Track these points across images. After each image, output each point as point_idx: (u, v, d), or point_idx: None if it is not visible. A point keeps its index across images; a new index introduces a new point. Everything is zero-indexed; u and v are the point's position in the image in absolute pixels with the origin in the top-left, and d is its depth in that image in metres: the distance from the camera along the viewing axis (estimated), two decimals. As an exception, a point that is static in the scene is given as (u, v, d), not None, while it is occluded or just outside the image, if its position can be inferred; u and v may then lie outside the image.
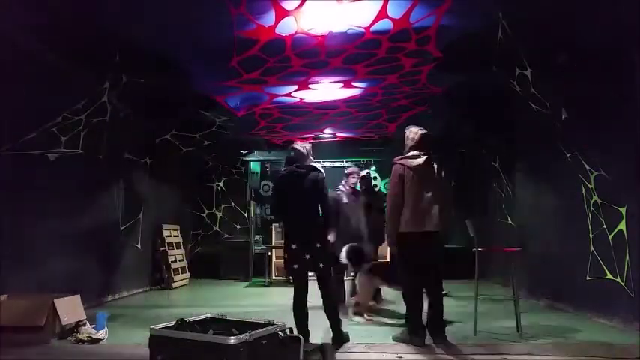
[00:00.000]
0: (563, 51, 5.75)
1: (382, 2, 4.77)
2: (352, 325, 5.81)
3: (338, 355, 4.27)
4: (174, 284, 9.29)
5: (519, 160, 8.05)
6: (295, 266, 4.52)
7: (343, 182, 6.92)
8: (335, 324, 4.58)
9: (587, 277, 5.92)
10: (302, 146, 4.74)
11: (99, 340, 4.78)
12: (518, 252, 5.78)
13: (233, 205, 11.57)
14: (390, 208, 4.62)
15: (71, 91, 6.39)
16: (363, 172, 7.43)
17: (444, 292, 4.94)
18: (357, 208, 6.73)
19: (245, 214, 11.59)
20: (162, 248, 9.38)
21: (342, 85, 6.95)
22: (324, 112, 8.27)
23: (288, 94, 7.28)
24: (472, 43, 5.55)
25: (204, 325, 3.39)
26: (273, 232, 11.17)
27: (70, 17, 5.08)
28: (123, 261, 8.02)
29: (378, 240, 6.91)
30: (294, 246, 4.50)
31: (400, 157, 4.74)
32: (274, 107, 7.94)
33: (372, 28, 5.24)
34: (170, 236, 9.76)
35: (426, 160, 4.66)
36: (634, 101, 5.09)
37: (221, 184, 11.62)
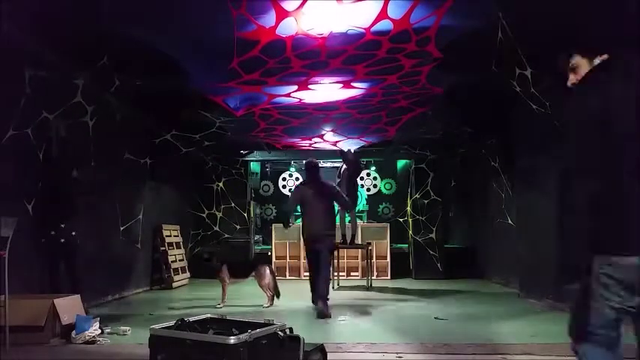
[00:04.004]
0: (563, 51, 5.74)
1: (382, 3, 4.77)
2: (353, 324, 5.82)
3: (338, 355, 4.28)
4: (174, 284, 9.30)
5: (519, 160, 8.05)
6: None
7: None
8: None
9: (587, 277, 5.91)
10: None
11: (94, 341, 4.78)
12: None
13: (233, 205, 11.57)
14: None
15: (70, 93, 6.41)
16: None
17: None
18: None
19: (245, 214, 11.60)
20: (162, 248, 9.39)
21: (342, 85, 6.95)
22: (324, 113, 8.26)
23: (288, 95, 7.28)
24: (472, 43, 5.55)
25: (204, 325, 3.39)
26: (273, 232, 11.20)
27: (70, 17, 5.09)
28: (123, 261, 8.02)
29: None
30: None
31: None
32: (274, 108, 7.93)
33: (373, 29, 5.24)
34: (170, 236, 9.76)
35: None
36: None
37: (221, 184, 11.62)
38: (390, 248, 10.87)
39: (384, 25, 5.14)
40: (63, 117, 6.24)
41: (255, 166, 13.32)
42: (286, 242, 10.97)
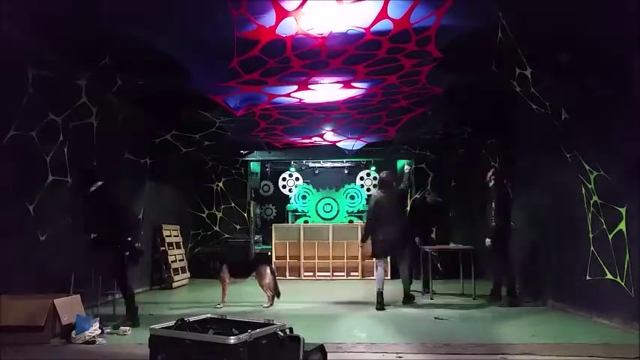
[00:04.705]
0: (563, 51, 5.75)
1: (382, 3, 4.77)
2: (353, 324, 5.82)
3: (338, 355, 4.27)
4: (174, 284, 9.30)
5: (519, 160, 8.05)
6: None
7: None
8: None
9: (587, 277, 5.92)
10: None
11: (94, 341, 4.79)
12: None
13: (233, 205, 11.57)
14: None
15: (75, 94, 6.41)
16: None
17: None
18: None
19: (245, 214, 11.60)
20: (163, 248, 9.39)
21: (342, 85, 6.95)
22: (325, 113, 8.26)
23: (288, 95, 7.28)
24: (472, 43, 5.55)
25: (204, 325, 3.39)
26: (273, 232, 11.20)
27: (70, 17, 5.09)
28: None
29: None
30: None
31: None
32: (274, 108, 7.93)
33: (373, 29, 5.24)
34: (170, 236, 9.76)
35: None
36: (634, 101, 5.09)
37: (221, 184, 11.62)
38: (390, 248, 10.84)
39: (384, 25, 5.14)
40: (70, 119, 6.25)
41: (255, 166, 13.32)
42: (286, 242, 10.98)
